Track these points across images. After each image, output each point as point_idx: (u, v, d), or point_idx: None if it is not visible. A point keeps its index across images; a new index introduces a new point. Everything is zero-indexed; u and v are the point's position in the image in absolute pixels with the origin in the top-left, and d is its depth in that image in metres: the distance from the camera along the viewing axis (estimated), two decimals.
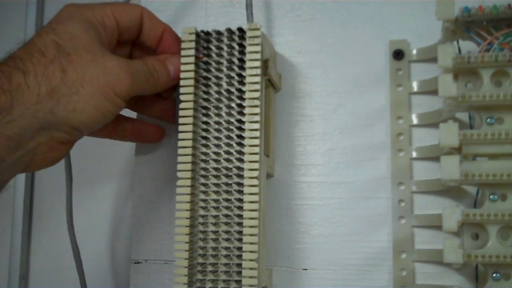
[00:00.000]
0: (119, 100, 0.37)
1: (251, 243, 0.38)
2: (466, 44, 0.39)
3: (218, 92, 0.40)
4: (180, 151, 0.39)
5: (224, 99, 0.40)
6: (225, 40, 0.40)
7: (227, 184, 0.39)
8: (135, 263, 0.47)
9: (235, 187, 0.39)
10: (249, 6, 0.43)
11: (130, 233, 0.50)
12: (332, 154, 0.44)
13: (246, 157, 0.38)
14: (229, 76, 0.40)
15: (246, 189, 0.38)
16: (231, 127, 0.39)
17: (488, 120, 0.37)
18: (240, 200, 0.38)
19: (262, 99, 0.40)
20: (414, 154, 0.43)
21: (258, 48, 0.39)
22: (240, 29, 0.39)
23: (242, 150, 0.39)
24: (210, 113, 0.40)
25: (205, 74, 0.40)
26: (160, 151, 0.47)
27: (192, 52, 0.40)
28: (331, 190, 0.44)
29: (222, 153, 0.39)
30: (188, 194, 0.39)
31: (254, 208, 0.38)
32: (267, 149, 0.43)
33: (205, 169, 0.40)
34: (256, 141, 0.38)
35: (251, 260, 0.37)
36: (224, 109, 0.40)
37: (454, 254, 0.36)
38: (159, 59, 0.41)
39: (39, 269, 0.60)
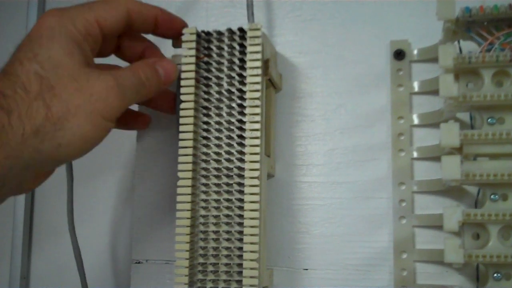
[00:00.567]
0: (108, 123, 0.35)
1: (252, 243, 0.38)
2: (467, 44, 0.39)
3: (219, 92, 0.40)
4: (180, 151, 0.39)
5: (224, 99, 0.40)
6: (226, 40, 0.40)
7: (228, 184, 0.39)
8: (135, 263, 0.47)
9: (236, 187, 0.39)
10: (250, 6, 0.43)
11: (130, 233, 0.50)
12: (333, 154, 0.44)
13: (247, 157, 0.38)
14: (229, 76, 0.40)
15: (247, 189, 0.38)
16: (231, 127, 0.39)
17: (489, 120, 0.37)
18: (241, 200, 0.38)
19: (262, 99, 0.39)
20: (415, 154, 0.43)
21: (258, 48, 0.39)
22: (241, 29, 0.39)
23: (243, 150, 0.39)
24: (210, 113, 0.40)
25: (205, 74, 0.40)
26: (161, 151, 0.47)
27: (193, 52, 0.40)
28: (332, 190, 0.44)
29: (223, 153, 0.39)
30: (189, 194, 0.39)
31: (255, 208, 0.38)
32: (268, 149, 0.43)
33: (205, 169, 0.40)
34: (257, 141, 0.38)
35: (252, 260, 0.37)
36: (225, 109, 0.40)
37: (455, 254, 0.36)
38: (148, 64, 0.39)
39: (40, 269, 0.60)
